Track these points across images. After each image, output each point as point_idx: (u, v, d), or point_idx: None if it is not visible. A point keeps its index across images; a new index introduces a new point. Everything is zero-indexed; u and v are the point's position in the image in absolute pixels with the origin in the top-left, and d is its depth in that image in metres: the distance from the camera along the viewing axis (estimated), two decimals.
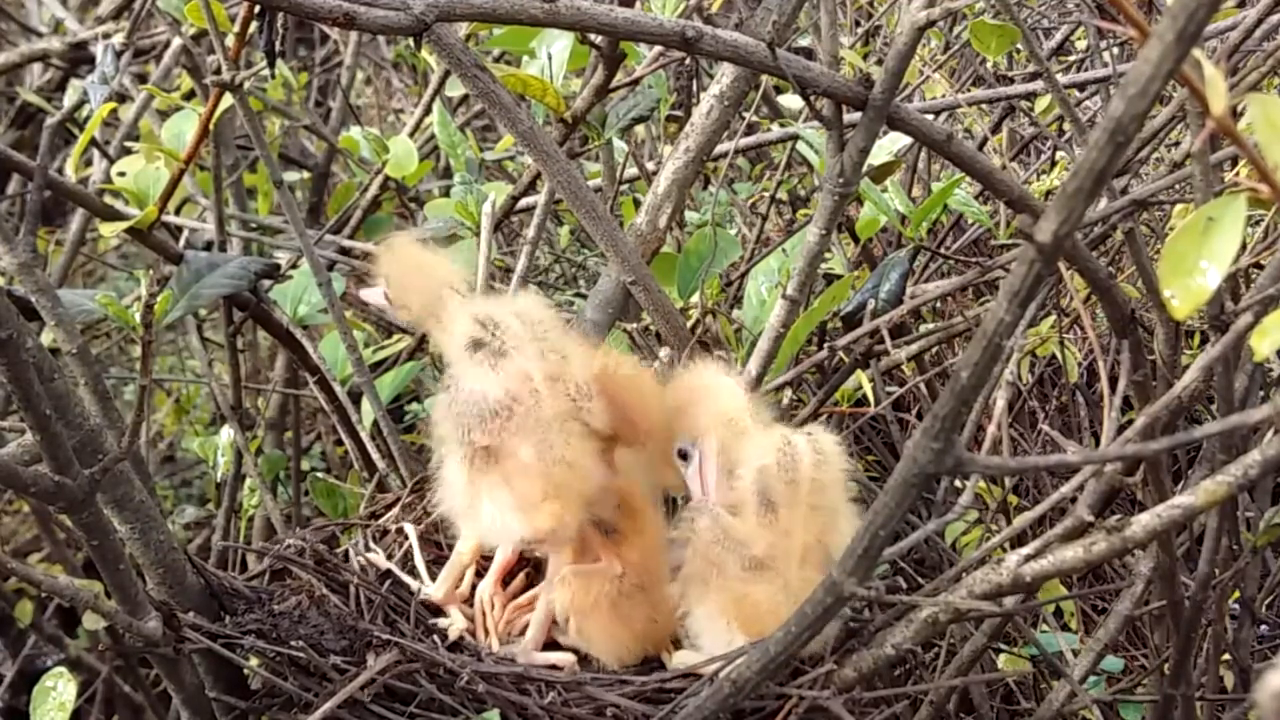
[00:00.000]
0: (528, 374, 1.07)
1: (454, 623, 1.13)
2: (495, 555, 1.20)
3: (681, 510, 1.14)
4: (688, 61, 1.70)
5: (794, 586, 1.05)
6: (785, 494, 1.06)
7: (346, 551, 1.22)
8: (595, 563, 1.12)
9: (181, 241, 1.99)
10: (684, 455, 1.13)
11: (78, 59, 2.20)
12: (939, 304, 1.88)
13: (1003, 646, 1.47)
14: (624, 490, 1.14)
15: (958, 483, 1.54)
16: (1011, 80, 1.88)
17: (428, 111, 1.87)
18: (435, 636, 1.12)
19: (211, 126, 1.39)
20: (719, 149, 1.56)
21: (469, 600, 1.18)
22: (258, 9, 1.27)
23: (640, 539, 1.13)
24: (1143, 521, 0.90)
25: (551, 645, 1.14)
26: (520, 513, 1.07)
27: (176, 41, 1.92)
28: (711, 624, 1.09)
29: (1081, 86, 1.88)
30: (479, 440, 1.07)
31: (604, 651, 1.12)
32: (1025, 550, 0.96)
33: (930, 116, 1.39)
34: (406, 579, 1.18)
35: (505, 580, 1.21)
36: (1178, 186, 1.52)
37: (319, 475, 1.67)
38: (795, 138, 1.64)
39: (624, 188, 1.73)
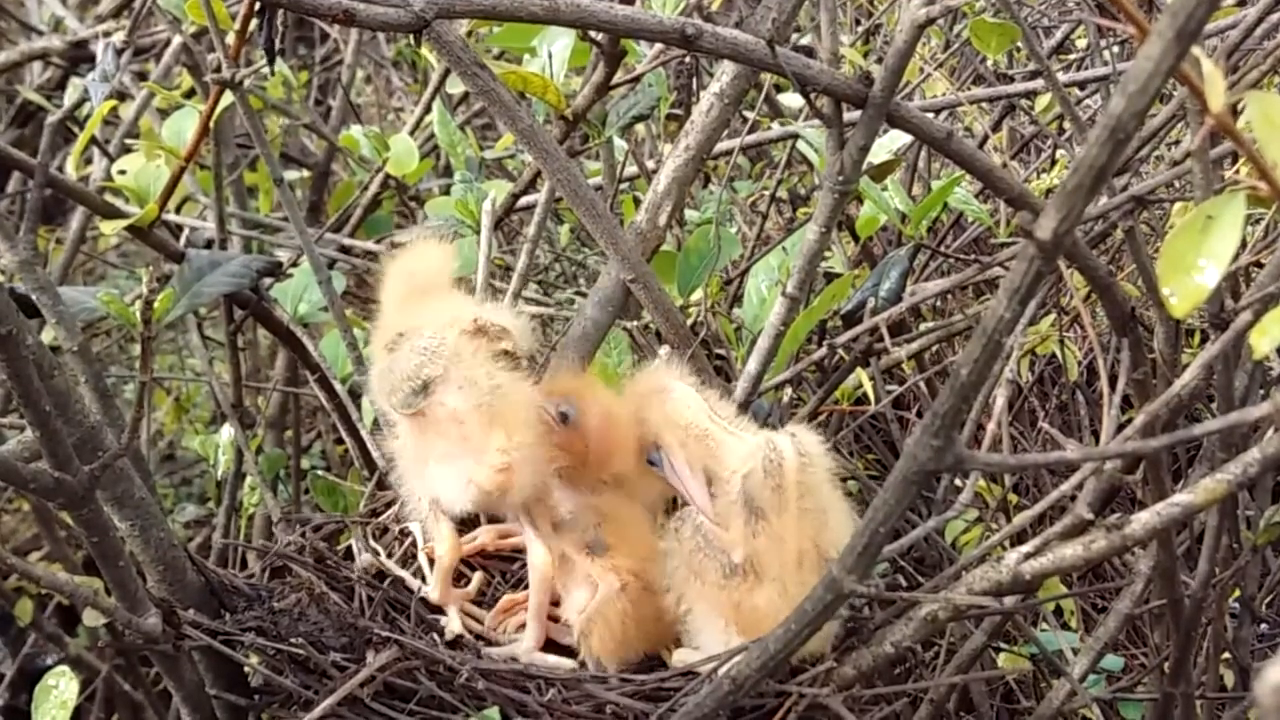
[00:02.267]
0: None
1: (451, 622, 1.13)
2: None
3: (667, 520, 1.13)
4: (688, 59, 1.70)
5: (792, 593, 1.04)
6: (772, 500, 1.05)
7: (349, 548, 1.22)
8: (592, 587, 1.11)
9: (182, 240, 1.98)
10: (653, 463, 1.12)
11: (78, 57, 2.20)
12: (939, 302, 1.88)
13: (1002, 645, 1.47)
14: (603, 507, 1.14)
15: (957, 481, 1.54)
16: (1011, 79, 1.87)
17: (428, 110, 1.87)
18: (435, 634, 1.12)
19: (212, 124, 1.39)
20: (719, 147, 1.56)
21: (475, 600, 1.19)
22: (258, 6, 1.27)
23: (631, 546, 1.12)
24: (1142, 519, 0.90)
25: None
26: (468, 460, 1.06)
27: (177, 39, 1.92)
28: (709, 624, 1.08)
29: (1081, 85, 1.88)
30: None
31: (620, 661, 1.11)
32: (1025, 548, 0.96)
33: (930, 114, 1.39)
34: (407, 577, 1.18)
35: None
36: (1177, 184, 1.52)
37: (319, 473, 1.67)
38: (795, 136, 1.64)
39: (624, 186, 1.73)
